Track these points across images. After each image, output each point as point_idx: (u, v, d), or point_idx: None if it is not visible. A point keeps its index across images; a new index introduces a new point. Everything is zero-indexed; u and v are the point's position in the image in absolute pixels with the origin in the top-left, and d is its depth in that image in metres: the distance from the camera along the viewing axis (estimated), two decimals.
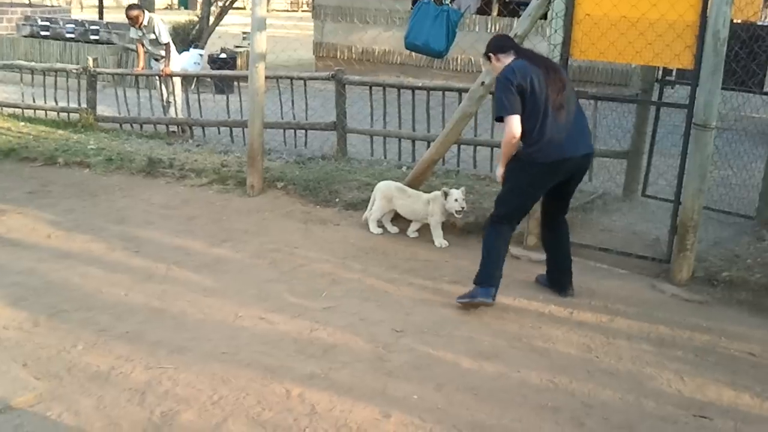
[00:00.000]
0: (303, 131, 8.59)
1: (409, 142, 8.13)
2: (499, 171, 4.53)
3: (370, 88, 8.17)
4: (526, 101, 4.20)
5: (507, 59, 4.38)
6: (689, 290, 5.01)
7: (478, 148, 7.75)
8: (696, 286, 5.06)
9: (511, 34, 5.36)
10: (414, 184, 6.05)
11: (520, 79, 4.18)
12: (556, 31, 5.26)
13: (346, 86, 8.24)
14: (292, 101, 8.60)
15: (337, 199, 6.68)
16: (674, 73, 6.94)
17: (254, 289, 4.82)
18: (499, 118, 4.28)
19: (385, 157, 8.26)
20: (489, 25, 15.03)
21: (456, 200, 5.37)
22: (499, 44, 4.51)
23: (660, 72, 6.66)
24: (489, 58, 4.50)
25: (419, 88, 7.87)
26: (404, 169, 7.85)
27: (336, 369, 3.86)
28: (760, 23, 6.54)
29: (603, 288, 5.04)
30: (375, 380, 3.78)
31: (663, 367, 4.01)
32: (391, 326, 4.36)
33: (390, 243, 5.77)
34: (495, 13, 15.58)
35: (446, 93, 7.77)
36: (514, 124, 4.20)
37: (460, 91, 7.57)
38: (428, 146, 7.81)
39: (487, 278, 4.51)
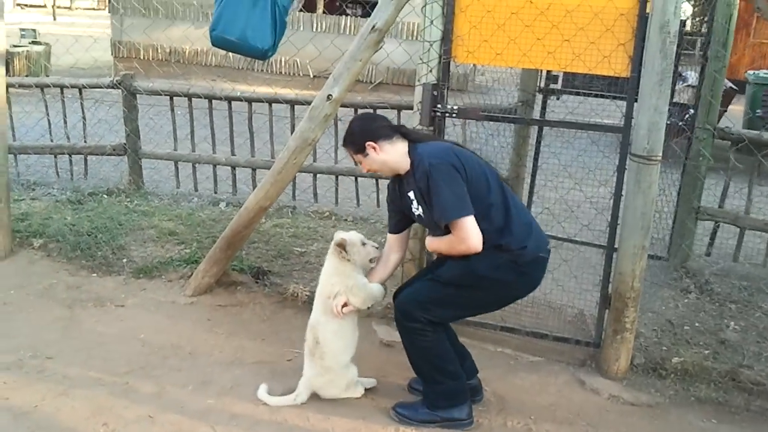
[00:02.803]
0: (81, 157, 6.39)
1: (228, 169, 6.23)
2: (340, 301, 3.21)
3: (172, 98, 6.15)
4: (478, 191, 2.94)
5: (396, 146, 3.07)
6: (631, 387, 3.58)
7: (319, 176, 6.01)
8: (638, 378, 3.64)
9: (368, 27, 3.67)
10: (235, 242, 4.18)
11: (463, 163, 2.93)
12: (432, 22, 3.63)
13: (139, 96, 6.18)
14: (64, 117, 6.35)
15: (124, 261, 4.67)
16: (560, 79, 5.60)
17: None
18: (446, 226, 2.95)
19: (196, 190, 6.30)
20: (315, 23, 13.39)
21: (364, 244, 3.34)
22: (376, 128, 3.10)
23: (542, 78, 5.28)
24: (362, 150, 3.08)
25: (238, 99, 5.97)
26: (222, 206, 5.95)
27: None
28: None
29: (514, 391, 3.50)
30: None
31: None
32: None
33: (205, 335, 3.89)
34: (320, 10, 13.99)
35: (274, 105, 5.94)
36: (471, 229, 2.88)
37: (293, 104, 5.81)
38: (253, 175, 6.01)
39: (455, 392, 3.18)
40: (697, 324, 4.20)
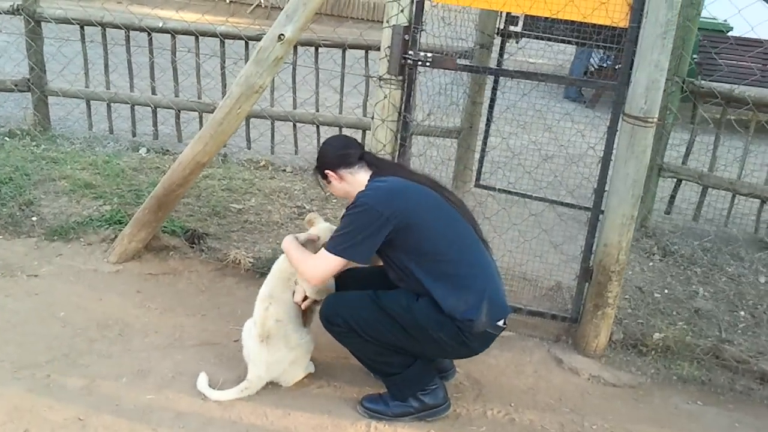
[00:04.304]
0: None
1: (147, 110, 5.57)
2: (299, 294, 2.87)
3: (83, 27, 5.39)
4: (419, 242, 2.61)
5: (357, 176, 2.80)
6: (611, 365, 3.33)
7: (252, 120, 5.45)
8: (617, 356, 3.40)
9: None
10: (167, 202, 3.64)
11: (395, 209, 2.58)
12: None
13: (45, 24, 5.38)
14: None
15: (34, 219, 4.04)
16: (521, 21, 5.18)
17: None
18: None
19: (112, 132, 5.62)
20: None
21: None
22: (340, 155, 2.82)
23: (502, 19, 4.85)
24: (324, 177, 2.87)
25: (161, 31, 5.28)
26: (143, 151, 5.33)
27: None
28: None
29: (489, 372, 3.20)
30: None
31: None
32: None
33: (135, 311, 3.38)
34: None
35: (203, 38, 5.29)
36: (325, 269, 2.64)
37: (224, 38, 5.19)
38: (177, 116, 5.39)
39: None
40: (666, 291, 3.99)
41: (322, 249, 2.61)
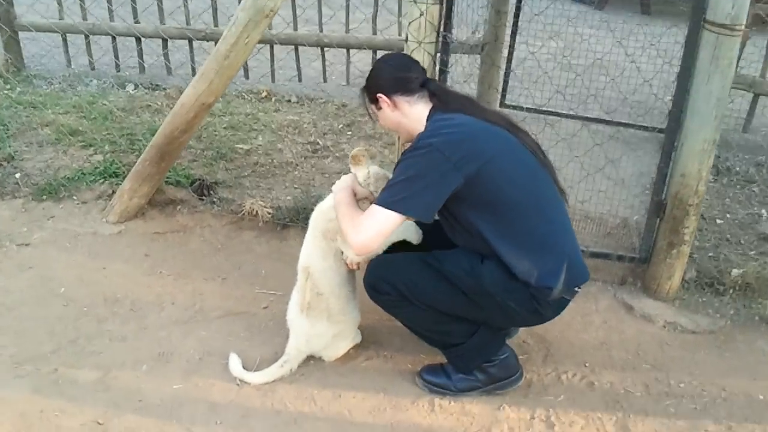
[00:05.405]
0: None
1: (131, 41, 5.00)
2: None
3: None
4: (496, 195, 2.13)
5: (416, 108, 2.28)
6: (686, 308, 2.97)
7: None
8: (692, 297, 3.02)
9: None
10: (170, 151, 3.17)
11: (465, 153, 2.09)
12: None
13: None
14: None
15: (17, 176, 3.58)
16: None
17: None
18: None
19: (93, 68, 5.06)
20: None
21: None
22: (397, 78, 2.29)
23: None
24: (374, 101, 2.32)
25: None
26: (130, 88, 4.80)
27: None
28: None
29: (554, 326, 2.79)
30: None
31: None
32: None
33: (145, 278, 2.97)
34: None
35: None
36: (379, 228, 2.07)
37: None
38: (165, 45, 4.83)
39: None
40: (728, 215, 3.61)
41: (372, 205, 2.12)
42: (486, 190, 2.11)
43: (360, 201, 2.34)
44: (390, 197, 2.07)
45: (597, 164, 3.59)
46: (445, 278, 2.25)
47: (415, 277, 2.29)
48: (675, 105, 2.82)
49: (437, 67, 2.84)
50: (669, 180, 2.88)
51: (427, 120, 2.25)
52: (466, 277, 2.22)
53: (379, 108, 2.33)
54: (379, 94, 2.29)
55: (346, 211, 2.21)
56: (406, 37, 2.78)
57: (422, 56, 2.75)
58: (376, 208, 2.07)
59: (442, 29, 2.76)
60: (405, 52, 2.75)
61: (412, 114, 2.28)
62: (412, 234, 2.38)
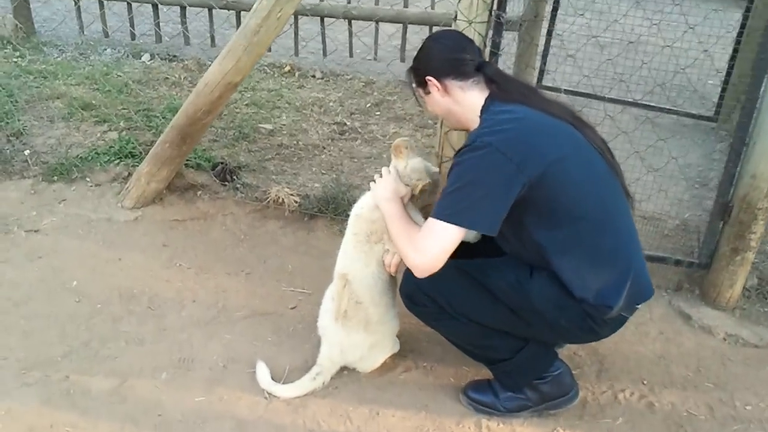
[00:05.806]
0: None
1: (148, 8, 4.73)
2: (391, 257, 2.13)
3: None
4: (558, 199, 1.88)
5: (469, 94, 2.00)
6: (747, 319, 2.74)
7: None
8: (753, 307, 2.80)
9: None
10: (192, 133, 2.93)
11: (528, 153, 1.84)
12: None
13: None
14: None
15: (26, 154, 3.35)
16: None
17: None
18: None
19: (107, 36, 4.80)
20: None
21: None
22: (450, 59, 2.01)
23: None
24: (423, 84, 2.05)
25: None
26: (146, 58, 4.55)
27: None
28: None
29: (608, 338, 2.57)
30: None
31: None
32: None
33: (164, 272, 2.75)
34: None
35: None
36: (441, 244, 1.83)
37: None
38: (183, 13, 4.57)
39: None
40: None
41: (429, 219, 1.86)
42: (549, 195, 1.86)
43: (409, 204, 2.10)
44: (449, 208, 1.82)
45: (640, 153, 3.32)
46: (489, 291, 2.02)
47: (455, 288, 2.06)
48: (748, 99, 2.55)
49: (488, 49, 2.58)
50: (737, 181, 2.63)
51: (482, 110, 1.99)
52: (512, 292, 1.99)
53: (428, 92, 2.07)
54: (428, 77, 2.03)
55: (400, 227, 1.97)
56: (455, 15, 2.51)
57: (472, 36, 2.48)
58: (434, 223, 1.83)
59: (495, 7, 2.49)
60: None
61: (465, 101, 2.02)
62: (470, 233, 2.14)
